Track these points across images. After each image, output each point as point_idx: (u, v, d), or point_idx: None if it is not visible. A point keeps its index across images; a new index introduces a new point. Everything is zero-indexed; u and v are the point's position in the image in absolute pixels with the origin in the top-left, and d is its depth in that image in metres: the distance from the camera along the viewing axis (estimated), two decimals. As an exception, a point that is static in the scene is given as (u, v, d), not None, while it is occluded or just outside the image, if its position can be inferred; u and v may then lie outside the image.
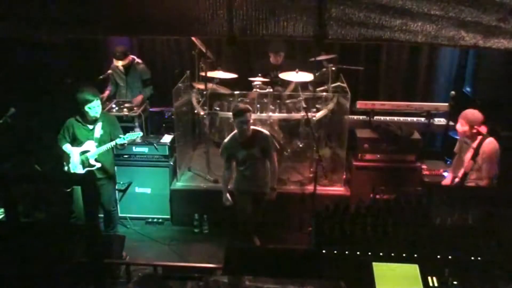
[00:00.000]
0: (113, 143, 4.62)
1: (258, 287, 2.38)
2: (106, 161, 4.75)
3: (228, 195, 4.80)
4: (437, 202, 2.88)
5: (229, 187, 4.87)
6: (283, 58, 6.07)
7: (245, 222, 5.01)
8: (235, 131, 4.58)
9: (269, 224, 5.35)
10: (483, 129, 4.36)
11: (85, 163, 4.64)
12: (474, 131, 4.30)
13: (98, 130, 4.63)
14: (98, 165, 4.65)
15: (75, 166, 4.64)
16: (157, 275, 3.32)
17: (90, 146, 4.62)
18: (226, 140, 4.68)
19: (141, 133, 5.01)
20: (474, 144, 4.34)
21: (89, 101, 4.46)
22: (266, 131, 4.69)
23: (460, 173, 4.53)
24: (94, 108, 4.51)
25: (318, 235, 2.74)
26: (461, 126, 4.38)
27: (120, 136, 4.65)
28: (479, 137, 4.31)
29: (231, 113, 5.44)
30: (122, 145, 4.72)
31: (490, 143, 4.27)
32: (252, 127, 4.58)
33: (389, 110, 5.97)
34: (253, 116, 5.52)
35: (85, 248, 2.45)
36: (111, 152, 4.81)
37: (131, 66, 6.19)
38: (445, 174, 5.48)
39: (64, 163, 4.72)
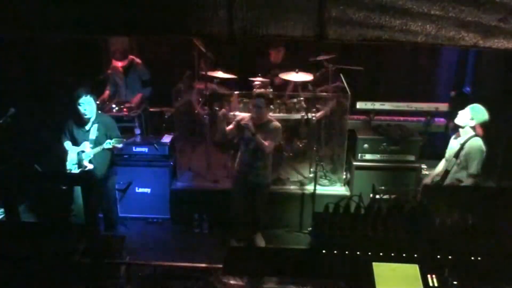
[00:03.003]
0: (101, 147, 4.59)
1: (258, 287, 2.38)
2: (102, 162, 4.74)
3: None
4: (437, 202, 2.88)
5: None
6: (283, 55, 6.07)
7: (242, 221, 5.05)
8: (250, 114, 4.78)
9: (270, 223, 5.35)
10: (480, 130, 4.32)
11: (79, 164, 4.64)
12: (472, 125, 4.26)
13: (93, 131, 4.63)
14: (91, 166, 4.64)
15: (71, 166, 4.65)
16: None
17: (85, 147, 4.62)
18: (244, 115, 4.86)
19: (125, 140, 4.84)
20: (462, 140, 4.32)
21: (79, 97, 4.46)
22: (278, 124, 4.80)
23: (440, 169, 4.54)
24: (84, 104, 4.49)
25: (318, 235, 2.74)
26: (466, 118, 4.30)
27: (108, 141, 4.59)
28: (469, 135, 4.29)
29: (231, 113, 5.46)
30: (113, 148, 4.68)
31: (477, 142, 4.24)
32: (270, 117, 4.82)
33: (389, 110, 5.97)
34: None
35: (85, 248, 2.45)
36: (109, 153, 4.78)
37: (131, 67, 6.19)
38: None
39: (66, 161, 4.73)
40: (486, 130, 4.34)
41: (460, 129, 4.38)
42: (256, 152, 4.70)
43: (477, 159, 4.21)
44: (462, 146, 4.28)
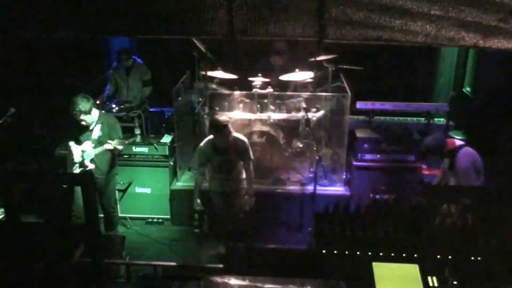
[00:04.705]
0: (102, 148, 4.59)
1: (258, 287, 2.38)
2: (103, 162, 4.74)
3: (198, 200, 4.70)
4: (437, 202, 2.88)
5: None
6: (285, 60, 6.08)
7: (222, 224, 4.98)
8: (211, 136, 4.53)
9: (269, 223, 5.35)
10: (457, 142, 4.26)
11: (81, 163, 4.64)
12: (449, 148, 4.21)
13: (96, 131, 4.63)
14: (92, 166, 4.63)
15: (73, 165, 4.65)
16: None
17: (87, 146, 4.62)
18: (202, 144, 4.58)
19: (126, 142, 4.82)
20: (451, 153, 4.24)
21: (81, 113, 4.45)
22: (244, 138, 4.63)
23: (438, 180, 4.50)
24: (85, 120, 4.52)
25: (318, 235, 2.74)
26: (433, 158, 4.38)
27: (110, 142, 4.59)
28: (454, 147, 4.20)
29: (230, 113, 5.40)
30: (114, 149, 4.68)
31: (465, 156, 4.15)
32: (233, 134, 4.53)
33: (389, 110, 5.97)
34: (253, 116, 5.56)
35: (85, 248, 2.45)
36: (109, 153, 4.78)
37: (133, 67, 6.19)
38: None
39: (68, 161, 4.73)
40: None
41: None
42: (230, 171, 4.59)
43: (469, 172, 4.12)
44: (452, 160, 4.22)
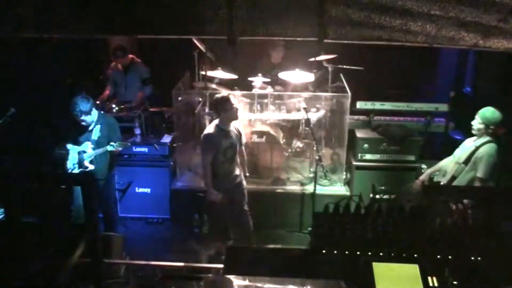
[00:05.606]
0: (104, 149, 4.58)
1: (258, 287, 2.38)
2: (103, 162, 4.74)
3: (215, 192, 4.55)
4: (437, 202, 2.88)
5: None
6: (283, 56, 6.07)
7: (227, 227, 4.96)
8: (216, 121, 4.45)
9: (269, 223, 5.35)
10: (500, 130, 4.12)
11: (80, 164, 4.64)
12: (490, 131, 4.09)
13: (96, 132, 4.63)
14: (91, 167, 4.63)
15: (72, 165, 4.65)
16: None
17: (87, 147, 4.62)
18: (210, 131, 4.40)
19: (129, 144, 4.84)
20: (477, 143, 4.14)
21: (81, 114, 4.45)
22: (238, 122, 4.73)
23: (449, 174, 4.37)
24: (85, 120, 4.52)
25: (318, 235, 2.74)
26: (476, 123, 4.15)
27: (112, 143, 4.58)
28: (485, 139, 4.11)
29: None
30: (115, 151, 4.67)
31: (491, 147, 4.07)
32: None
33: (389, 110, 5.97)
34: (253, 116, 5.56)
35: (85, 248, 2.45)
36: (107, 154, 4.76)
37: (131, 66, 6.19)
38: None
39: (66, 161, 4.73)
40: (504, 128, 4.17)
41: (477, 135, 4.23)
42: (233, 156, 4.53)
43: (487, 162, 4.05)
44: (477, 149, 4.13)
